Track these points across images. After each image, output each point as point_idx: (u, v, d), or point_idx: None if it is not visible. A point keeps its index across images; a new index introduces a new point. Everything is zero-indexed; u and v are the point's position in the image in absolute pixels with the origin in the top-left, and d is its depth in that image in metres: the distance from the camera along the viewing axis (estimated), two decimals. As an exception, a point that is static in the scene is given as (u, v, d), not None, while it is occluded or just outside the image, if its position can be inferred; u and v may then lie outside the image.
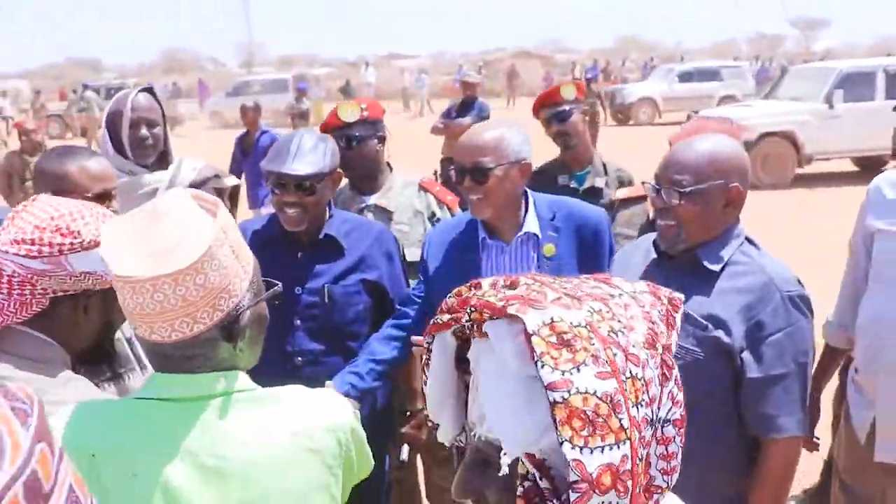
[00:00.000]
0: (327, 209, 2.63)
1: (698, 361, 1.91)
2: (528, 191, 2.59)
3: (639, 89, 24.84)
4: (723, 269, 1.99)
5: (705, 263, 1.99)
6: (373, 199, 3.11)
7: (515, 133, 2.50)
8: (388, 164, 3.24)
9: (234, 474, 1.27)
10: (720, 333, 1.93)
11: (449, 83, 29.97)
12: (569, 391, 0.87)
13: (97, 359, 1.66)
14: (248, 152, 8.29)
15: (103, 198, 2.30)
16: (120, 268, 1.22)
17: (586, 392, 0.88)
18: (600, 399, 0.88)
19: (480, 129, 2.54)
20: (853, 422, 2.41)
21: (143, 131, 2.90)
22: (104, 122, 2.99)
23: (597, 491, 0.87)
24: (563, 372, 0.88)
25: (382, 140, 3.15)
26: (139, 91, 3.01)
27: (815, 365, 2.15)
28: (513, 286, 1.00)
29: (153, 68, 63.36)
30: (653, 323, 0.99)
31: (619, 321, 0.96)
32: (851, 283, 2.45)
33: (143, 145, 2.92)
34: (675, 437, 0.99)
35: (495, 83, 33.37)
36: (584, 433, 0.87)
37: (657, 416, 0.95)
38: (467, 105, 8.32)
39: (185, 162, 3.03)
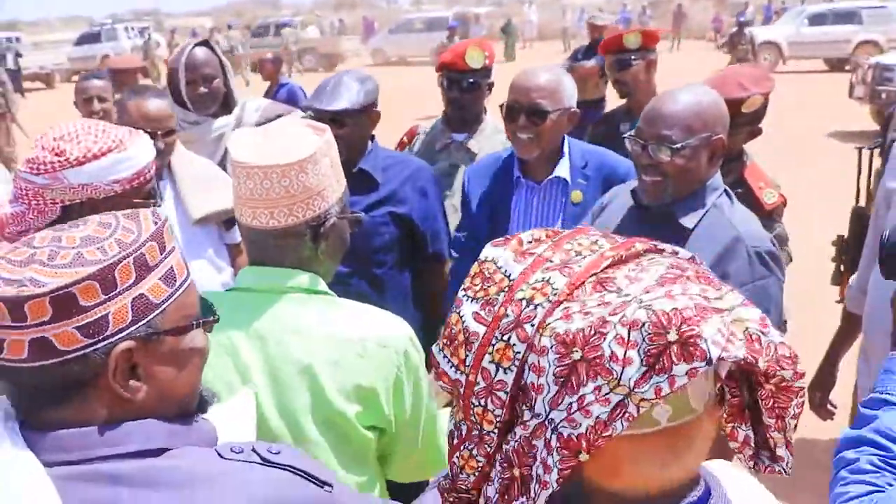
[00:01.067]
0: (368, 144, 2.81)
1: None
2: (567, 136, 2.69)
3: (762, 33, 22.31)
4: (697, 223, 1.99)
5: (680, 220, 1.99)
6: (461, 137, 3.28)
7: (570, 80, 2.64)
8: (485, 107, 3.39)
9: (293, 360, 1.51)
10: None
11: (611, 23, 29.00)
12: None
13: None
14: None
15: (154, 135, 2.64)
16: (239, 155, 1.50)
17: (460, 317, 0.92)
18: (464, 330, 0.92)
19: (540, 70, 2.65)
20: (859, 391, 2.38)
21: (201, 89, 3.14)
22: (167, 76, 3.25)
23: None
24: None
25: (490, 87, 3.31)
26: (194, 46, 3.20)
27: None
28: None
29: (325, 5, 65.29)
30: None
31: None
32: (871, 246, 2.38)
33: (202, 100, 3.16)
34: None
35: (662, 24, 32.04)
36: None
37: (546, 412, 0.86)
38: (594, 48, 8.23)
39: (248, 104, 3.27)
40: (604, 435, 0.82)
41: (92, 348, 0.94)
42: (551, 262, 0.90)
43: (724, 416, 0.95)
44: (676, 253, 0.95)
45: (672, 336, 0.80)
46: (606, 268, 0.88)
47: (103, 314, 0.95)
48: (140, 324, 0.97)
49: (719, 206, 2.01)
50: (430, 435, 1.67)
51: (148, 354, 0.98)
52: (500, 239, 0.97)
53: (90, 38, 29.57)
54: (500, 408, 0.90)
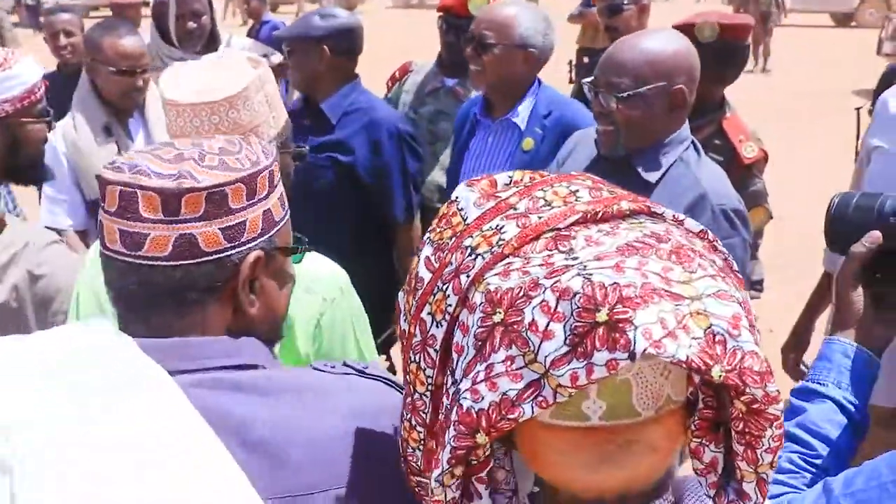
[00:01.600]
0: (335, 86, 2.75)
1: None
2: (542, 82, 2.60)
3: None
4: (661, 178, 1.90)
5: (641, 173, 1.91)
6: (451, 83, 3.19)
7: (530, 18, 2.51)
8: None
9: None
10: None
11: None
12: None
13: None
14: None
15: (129, 72, 2.60)
16: (169, 93, 1.49)
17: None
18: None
19: (504, 4, 2.57)
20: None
21: (190, 24, 3.11)
22: (151, 10, 3.20)
23: None
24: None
25: None
26: None
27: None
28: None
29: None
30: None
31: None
32: None
33: (189, 37, 3.12)
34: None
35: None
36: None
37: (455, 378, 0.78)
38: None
39: (233, 40, 3.25)
40: (508, 417, 0.71)
41: (228, 252, 0.95)
42: (514, 209, 0.81)
43: (692, 428, 0.79)
44: (681, 222, 0.82)
45: (602, 316, 0.67)
46: (573, 224, 0.77)
47: (243, 220, 0.96)
48: (265, 237, 0.99)
49: (685, 161, 1.92)
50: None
51: (265, 269, 1.00)
52: (477, 178, 0.90)
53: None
54: (432, 367, 0.82)
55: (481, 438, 0.73)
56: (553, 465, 0.78)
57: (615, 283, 0.69)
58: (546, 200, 0.81)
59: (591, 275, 0.70)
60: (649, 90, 1.85)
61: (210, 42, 3.22)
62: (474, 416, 0.72)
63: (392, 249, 2.90)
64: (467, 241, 0.80)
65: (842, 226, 1.51)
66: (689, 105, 1.92)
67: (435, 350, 0.81)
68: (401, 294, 0.90)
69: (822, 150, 8.26)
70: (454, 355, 0.78)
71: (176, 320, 0.95)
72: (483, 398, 0.71)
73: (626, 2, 3.53)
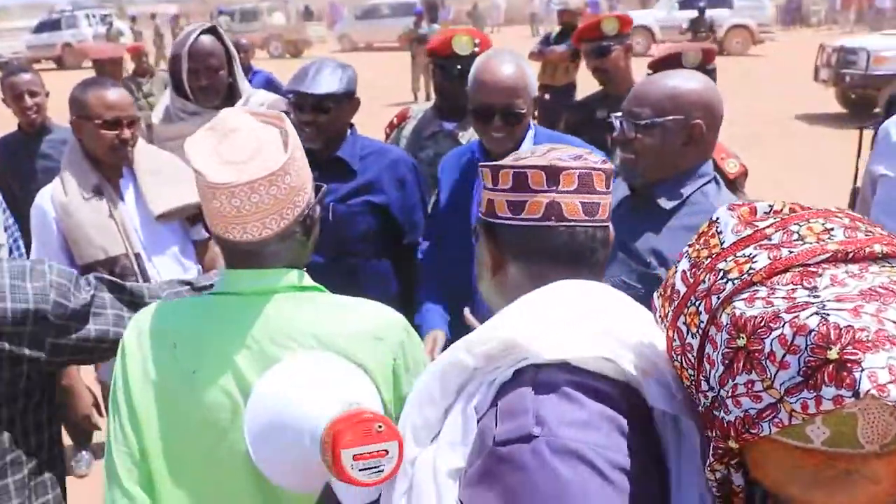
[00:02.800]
0: (348, 132, 2.77)
1: (639, 298, 1.91)
2: (533, 123, 2.63)
3: (636, 16, 22.49)
4: (679, 207, 1.96)
5: (659, 201, 1.98)
6: (450, 127, 3.21)
7: (528, 66, 2.55)
8: None
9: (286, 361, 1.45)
10: (662, 272, 1.90)
11: (582, 8, 28.98)
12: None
13: None
14: None
15: (115, 124, 2.55)
16: (217, 177, 1.40)
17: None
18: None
19: (506, 67, 2.51)
20: None
21: (203, 81, 2.97)
22: (168, 66, 3.07)
23: None
24: None
25: None
26: (200, 33, 3.02)
27: None
28: None
29: (292, -9, 64.47)
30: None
31: None
32: None
33: (203, 92, 2.99)
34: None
35: (630, 7, 32.11)
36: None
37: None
38: (566, 33, 8.15)
39: (252, 98, 3.11)
40: (751, 430, 0.81)
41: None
42: (769, 240, 0.88)
43: None
44: None
45: (833, 354, 0.74)
46: (822, 262, 0.83)
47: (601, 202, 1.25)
48: None
49: (705, 193, 1.97)
50: None
51: None
52: (739, 202, 0.99)
53: (50, 25, 28.85)
54: (692, 368, 0.92)
55: (732, 444, 0.85)
56: (772, 476, 0.86)
57: (850, 325, 0.74)
58: (800, 235, 0.87)
59: (828, 315, 0.76)
60: (667, 121, 1.92)
61: (229, 97, 3.10)
62: (725, 425, 0.85)
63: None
64: (721, 265, 0.89)
65: None
66: (709, 142, 1.98)
67: (692, 356, 0.92)
68: (655, 295, 1.05)
69: (780, 171, 8.49)
70: (706, 365, 0.89)
71: (600, 269, 1.26)
72: (731, 412, 0.83)
73: (612, 44, 3.59)
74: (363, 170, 2.76)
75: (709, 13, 16.77)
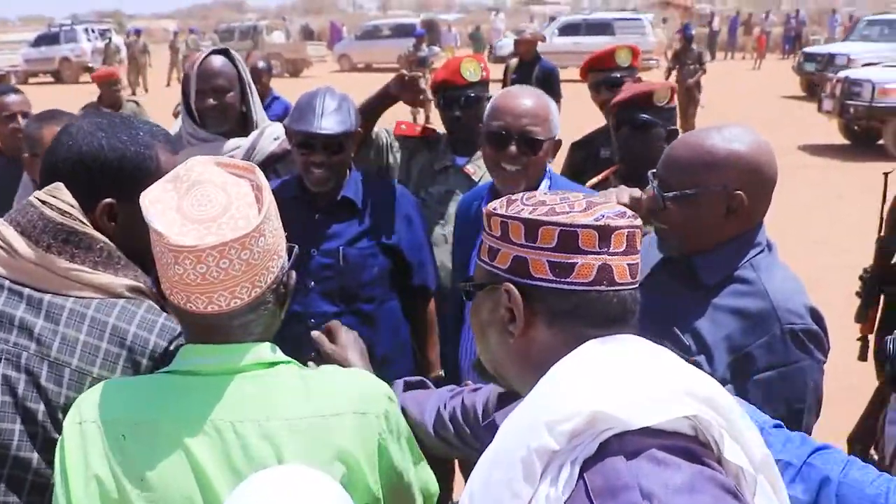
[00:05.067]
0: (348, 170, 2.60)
1: None
2: (550, 170, 2.46)
3: (505, 46, 22.32)
4: (725, 283, 1.71)
5: (701, 276, 1.73)
6: (462, 163, 3.02)
7: (554, 105, 2.41)
8: None
9: (253, 446, 1.25)
10: (702, 360, 1.65)
11: (539, 35, 28.61)
12: None
13: None
14: None
15: None
16: (181, 238, 1.20)
17: None
18: None
19: (529, 94, 2.40)
20: (885, 439, 2.19)
21: (209, 101, 2.77)
22: (181, 87, 2.89)
23: None
24: None
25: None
26: (210, 54, 2.85)
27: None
28: None
29: (292, 9, 64.77)
30: None
31: None
32: None
33: (210, 115, 2.80)
34: None
35: (678, 34, 32.15)
36: None
37: None
38: (525, 66, 7.47)
39: (267, 130, 2.90)
40: None
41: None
42: None
43: None
44: None
45: None
46: None
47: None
48: None
49: (755, 266, 1.71)
50: (424, 483, 1.49)
51: None
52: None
53: (48, 38, 28.69)
54: None
55: None
56: None
57: None
58: None
59: None
60: (701, 192, 1.67)
61: (243, 125, 2.90)
62: None
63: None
64: None
65: None
66: (756, 210, 1.72)
67: None
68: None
69: (793, 204, 8.33)
70: None
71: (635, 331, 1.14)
72: None
73: (624, 76, 3.42)
74: (370, 209, 2.59)
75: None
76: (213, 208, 1.24)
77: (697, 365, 1.58)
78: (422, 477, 1.47)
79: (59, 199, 1.43)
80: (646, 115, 2.75)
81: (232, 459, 1.24)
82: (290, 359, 1.35)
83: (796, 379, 1.63)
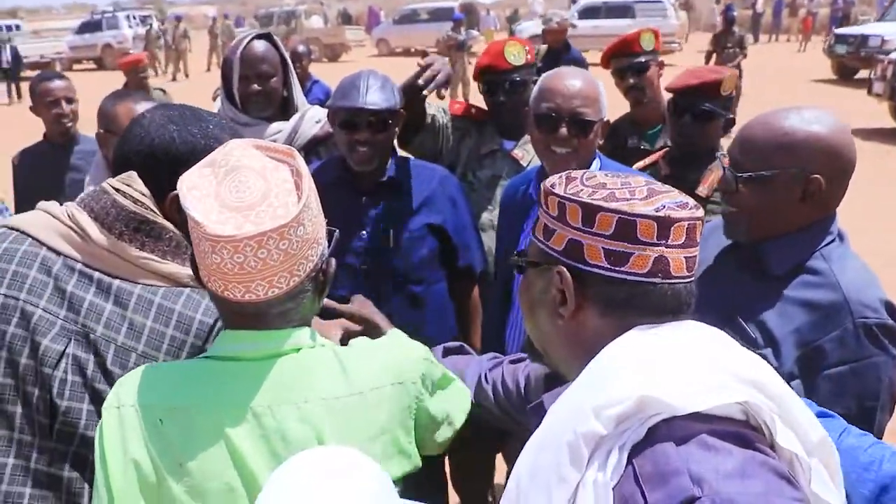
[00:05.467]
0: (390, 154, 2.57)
1: None
2: (598, 153, 2.40)
3: (527, 28, 22.31)
4: (795, 273, 1.64)
5: (769, 264, 1.66)
6: (510, 147, 2.97)
7: (601, 87, 2.35)
8: None
9: (291, 429, 1.24)
10: (768, 353, 1.59)
11: (566, 23, 28.54)
12: None
13: None
14: None
15: None
16: (219, 228, 1.18)
17: None
18: None
19: (578, 75, 2.34)
20: None
21: (254, 86, 2.76)
22: (220, 70, 2.87)
23: None
24: None
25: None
26: (253, 38, 2.83)
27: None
28: None
29: (330, -6, 64.81)
30: None
31: None
32: None
33: (254, 100, 2.78)
34: None
35: (720, 15, 31.66)
36: None
37: None
38: (553, 54, 7.09)
39: (308, 114, 2.88)
40: None
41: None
42: None
43: None
44: None
45: None
46: None
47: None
48: None
49: (826, 257, 1.64)
50: (456, 402, 1.52)
51: None
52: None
53: (91, 26, 29.13)
54: None
55: None
56: None
57: None
58: None
59: None
60: (777, 175, 1.61)
61: (284, 110, 2.88)
62: None
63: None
64: None
65: None
66: (833, 196, 1.65)
67: None
68: None
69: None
70: None
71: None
72: None
73: (647, 60, 3.34)
74: (415, 190, 2.55)
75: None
76: (251, 195, 1.21)
77: (763, 358, 1.53)
78: (448, 408, 1.49)
79: (132, 188, 1.47)
80: (709, 105, 2.67)
81: (272, 444, 1.23)
82: (323, 341, 1.34)
83: (869, 375, 1.56)
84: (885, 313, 1.57)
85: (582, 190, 1.10)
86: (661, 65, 3.47)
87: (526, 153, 2.91)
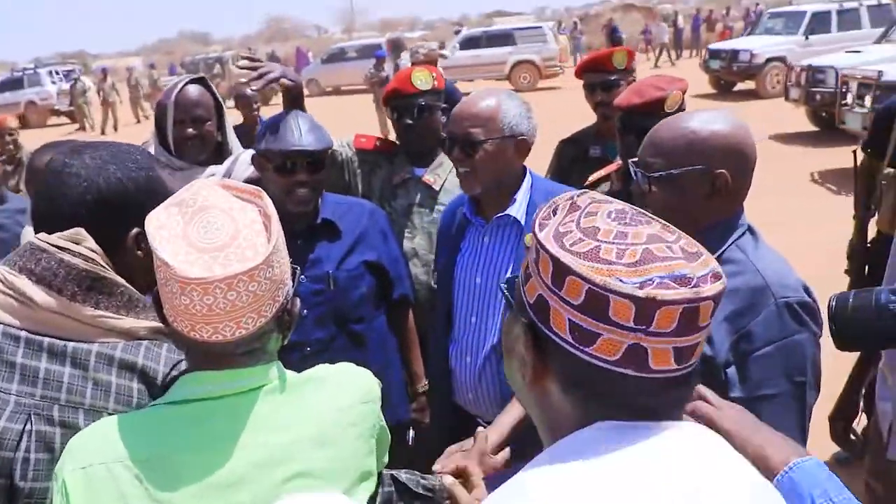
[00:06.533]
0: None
1: None
2: (530, 172, 2.45)
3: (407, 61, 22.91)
4: None
5: None
6: (421, 173, 3.01)
7: (514, 105, 2.37)
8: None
9: (281, 459, 1.26)
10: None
11: (436, 54, 28.97)
12: None
13: None
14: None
15: None
16: (188, 269, 1.17)
17: None
18: None
19: (476, 97, 2.41)
20: (878, 415, 2.19)
21: (189, 130, 2.75)
22: (154, 113, 2.86)
23: None
24: None
25: (445, 112, 3.05)
26: (187, 83, 2.83)
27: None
28: None
29: (257, 38, 64.79)
30: None
31: None
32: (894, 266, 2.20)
33: (189, 144, 2.77)
34: None
35: (593, 39, 32.43)
36: None
37: None
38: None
39: (242, 157, 2.88)
40: None
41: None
42: None
43: None
44: None
45: None
46: None
47: None
48: None
49: (741, 248, 1.71)
50: None
51: None
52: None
53: (12, 83, 28.36)
54: None
55: None
56: None
57: None
58: None
59: None
60: (685, 173, 1.68)
61: (217, 153, 2.88)
62: None
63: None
64: None
65: (846, 327, 1.51)
66: (739, 191, 1.73)
67: None
68: None
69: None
70: None
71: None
72: None
73: (619, 78, 3.44)
74: (348, 229, 2.57)
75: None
76: (220, 236, 1.21)
77: None
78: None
79: (81, 246, 1.39)
80: (653, 123, 2.73)
81: (260, 479, 1.24)
82: (293, 373, 1.36)
83: (794, 352, 1.62)
84: (804, 293, 1.65)
85: (568, 233, 0.92)
86: (632, 81, 3.51)
87: (437, 178, 2.98)
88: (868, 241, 3.30)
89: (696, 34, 30.14)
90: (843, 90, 10.34)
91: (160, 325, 1.40)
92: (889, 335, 1.48)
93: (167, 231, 1.22)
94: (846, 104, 10.25)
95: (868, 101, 9.64)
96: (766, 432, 1.23)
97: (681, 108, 2.69)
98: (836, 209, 7.22)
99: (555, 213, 0.96)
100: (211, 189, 1.28)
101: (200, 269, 1.17)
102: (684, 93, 2.79)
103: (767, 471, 1.15)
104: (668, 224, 0.94)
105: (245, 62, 2.73)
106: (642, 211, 0.95)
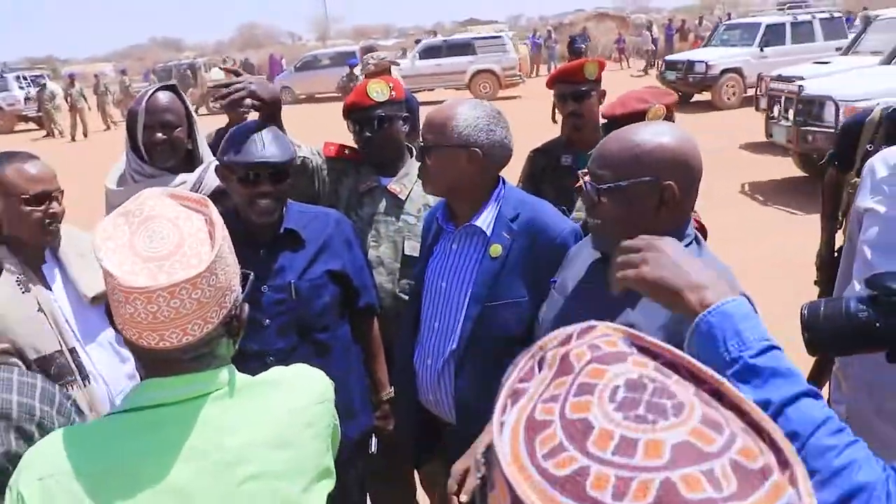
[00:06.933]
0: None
1: None
2: (506, 183, 2.46)
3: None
4: None
5: None
6: (386, 182, 3.01)
7: (472, 115, 2.34)
8: (411, 147, 3.10)
9: (237, 461, 1.28)
10: None
11: (387, 63, 29.26)
12: None
13: None
14: None
15: (42, 199, 2.30)
16: (132, 280, 1.19)
17: None
18: None
19: (444, 105, 2.44)
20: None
21: (158, 135, 2.76)
22: (126, 122, 2.87)
23: None
24: None
25: (406, 120, 3.07)
26: (157, 89, 2.85)
27: None
28: None
29: (230, 45, 64.52)
30: None
31: None
32: (846, 272, 2.25)
33: (159, 150, 2.78)
34: None
35: (566, 48, 32.68)
36: None
37: None
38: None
39: (213, 165, 2.85)
40: None
41: None
42: None
43: None
44: None
45: None
46: None
47: None
48: None
49: None
50: None
51: None
52: None
53: (-22, 90, 28.06)
54: None
55: None
56: None
57: None
58: None
59: None
60: (633, 185, 1.69)
61: (189, 161, 2.89)
62: None
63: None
64: None
65: (818, 335, 1.56)
66: (686, 202, 1.75)
67: None
68: None
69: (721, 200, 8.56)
70: None
71: None
72: None
73: (590, 88, 3.46)
74: (312, 238, 2.57)
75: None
76: (165, 245, 1.23)
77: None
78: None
79: None
80: None
81: (222, 481, 1.26)
82: (246, 376, 1.38)
83: None
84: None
85: (543, 427, 0.61)
86: (603, 93, 3.59)
87: (403, 187, 2.98)
88: (836, 251, 3.37)
89: (670, 44, 30.50)
90: (771, 103, 10.27)
91: (3, 345, 1.43)
92: (858, 341, 1.55)
93: (113, 242, 1.24)
94: (773, 118, 10.20)
95: (791, 114, 9.39)
96: (697, 273, 1.26)
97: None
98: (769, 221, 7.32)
99: (540, 367, 0.67)
100: (157, 199, 1.30)
101: (146, 278, 1.19)
102: (670, 107, 2.83)
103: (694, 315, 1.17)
104: (711, 401, 0.62)
105: (219, 79, 2.74)
106: (669, 377, 0.64)
